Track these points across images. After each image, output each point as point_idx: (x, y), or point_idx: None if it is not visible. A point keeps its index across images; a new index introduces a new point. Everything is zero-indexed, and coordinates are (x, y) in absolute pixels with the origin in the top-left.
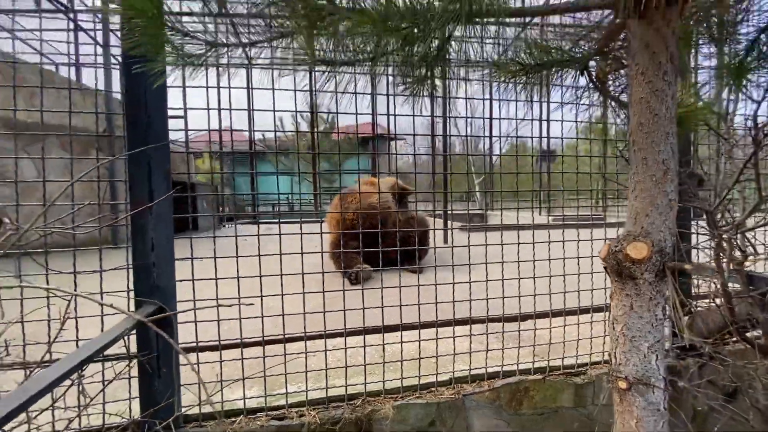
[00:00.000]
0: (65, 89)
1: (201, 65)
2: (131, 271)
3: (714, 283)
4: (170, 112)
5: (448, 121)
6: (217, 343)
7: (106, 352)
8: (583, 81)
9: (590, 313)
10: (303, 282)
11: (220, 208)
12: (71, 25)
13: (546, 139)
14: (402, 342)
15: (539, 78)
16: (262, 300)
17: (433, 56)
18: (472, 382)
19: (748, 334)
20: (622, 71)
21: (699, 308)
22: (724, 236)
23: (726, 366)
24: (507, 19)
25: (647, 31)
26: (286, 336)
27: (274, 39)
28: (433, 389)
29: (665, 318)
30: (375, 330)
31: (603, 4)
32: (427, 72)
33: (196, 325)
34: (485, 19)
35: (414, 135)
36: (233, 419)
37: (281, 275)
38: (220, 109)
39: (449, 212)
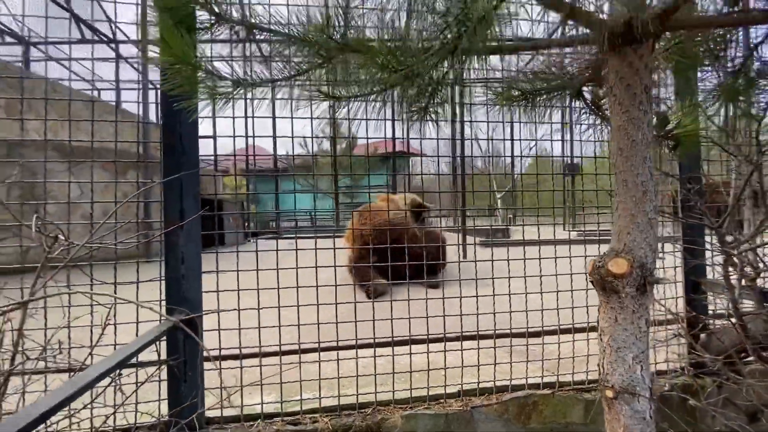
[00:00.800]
0: (114, 121)
1: (229, 101)
2: (163, 282)
3: (726, 300)
4: (202, 133)
5: (461, 142)
6: (238, 351)
7: (140, 358)
8: (580, 104)
9: (586, 331)
10: (317, 295)
11: (245, 224)
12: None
13: (570, 156)
14: (411, 354)
15: (537, 102)
16: (279, 311)
17: (431, 91)
18: (480, 395)
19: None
20: None
21: (716, 326)
22: (734, 252)
23: (740, 386)
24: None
25: (622, 65)
26: (301, 347)
27: (292, 77)
28: (441, 401)
29: (649, 330)
30: (386, 343)
31: (583, 40)
32: (428, 102)
33: (219, 333)
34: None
35: (422, 156)
36: (251, 423)
37: (297, 287)
38: (246, 136)
39: (467, 228)
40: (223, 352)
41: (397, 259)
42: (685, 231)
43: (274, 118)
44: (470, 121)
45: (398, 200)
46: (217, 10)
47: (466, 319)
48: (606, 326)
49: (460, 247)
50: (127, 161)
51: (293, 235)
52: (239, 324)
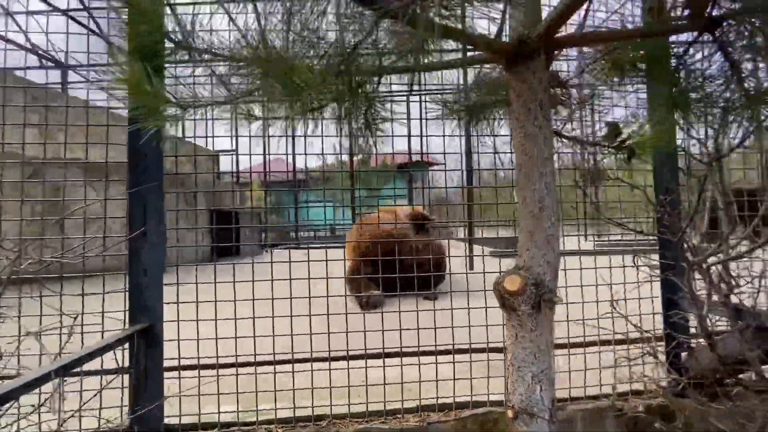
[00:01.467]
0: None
1: (179, 121)
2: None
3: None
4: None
5: (468, 155)
6: (196, 362)
7: (102, 366)
8: None
9: (567, 347)
10: (272, 307)
11: (262, 236)
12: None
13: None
14: (366, 368)
15: (481, 115)
16: (236, 323)
17: (365, 108)
18: (440, 411)
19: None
20: (558, 108)
21: (698, 344)
22: (703, 267)
23: (706, 409)
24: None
25: (518, 81)
26: (257, 360)
27: (232, 101)
28: (398, 416)
29: (551, 349)
30: (341, 357)
31: (489, 59)
32: (366, 123)
33: (179, 343)
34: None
35: (421, 168)
36: (209, 431)
37: (253, 300)
38: (266, 154)
39: (484, 239)
40: (183, 363)
41: (395, 270)
42: (661, 244)
43: (294, 136)
44: (479, 135)
45: (399, 212)
46: (175, 38)
47: (440, 332)
48: (509, 344)
49: (467, 258)
50: (104, 179)
51: (301, 246)
52: (197, 334)
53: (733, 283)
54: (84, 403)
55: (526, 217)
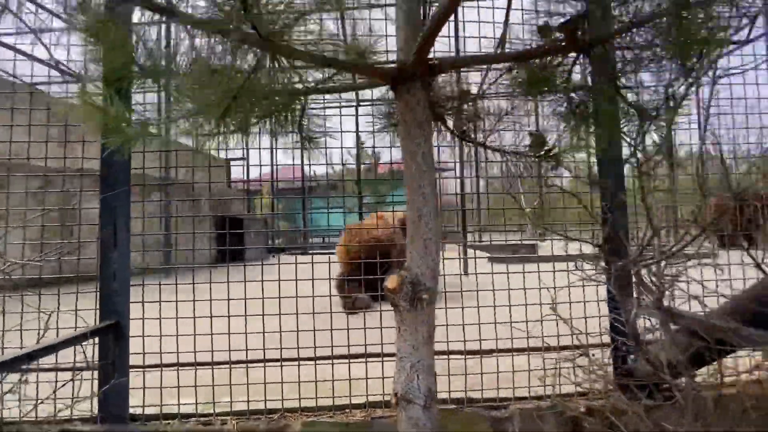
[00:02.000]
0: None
1: (138, 139)
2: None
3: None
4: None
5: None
6: (169, 358)
7: (73, 361)
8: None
9: (510, 352)
10: (228, 309)
11: (270, 240)
12: None
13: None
14: (315, 365)
15: None
16: (195, 321)
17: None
18: (386, 407)
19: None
20: (477, 122)
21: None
22: (635, 269)
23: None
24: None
25: (401, 102)
26: (214, 359)
27: (182, 117)
28: (347, 410)
29: (431, 341)
30: (294, 358)
31: (379, 83)
32: (301, 136)
33: (143, 339)
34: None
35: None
36: (169, 421)
37: (210, 300)
38: (274, 164)
39: (473, 243)
40: (153, 359)
41: (383, 274)
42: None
43: (302, 148)
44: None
45: (388, 218)
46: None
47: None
48: (396, 337)
49: (461, 262)
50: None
51: (322, 251)
52: (161, 331)
53: (665, 286)
54: (55, 391)
55: (408, 224)
